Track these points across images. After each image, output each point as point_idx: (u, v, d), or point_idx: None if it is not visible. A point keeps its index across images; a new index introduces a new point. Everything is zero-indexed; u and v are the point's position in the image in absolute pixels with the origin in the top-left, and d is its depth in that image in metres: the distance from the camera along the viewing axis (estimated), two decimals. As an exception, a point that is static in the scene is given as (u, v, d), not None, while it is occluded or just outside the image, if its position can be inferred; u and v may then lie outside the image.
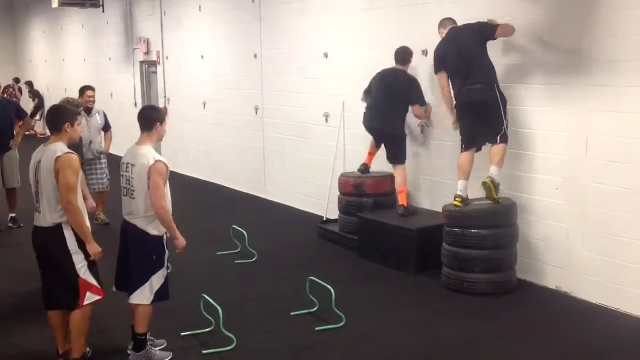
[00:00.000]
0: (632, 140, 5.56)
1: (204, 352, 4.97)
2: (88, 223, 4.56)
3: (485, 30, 6.31)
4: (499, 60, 6.56)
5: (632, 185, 5.59)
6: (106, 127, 8.81)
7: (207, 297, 5.39)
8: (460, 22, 6.63)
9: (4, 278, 6.60)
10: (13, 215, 8.81)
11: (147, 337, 4.82)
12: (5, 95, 8.59)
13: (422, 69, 7.43)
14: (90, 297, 4.53)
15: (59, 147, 4.45)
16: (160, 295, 4.72)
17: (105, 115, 8.83)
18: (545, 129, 6.24)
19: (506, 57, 6.53)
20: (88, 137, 8.38)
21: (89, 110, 8.51)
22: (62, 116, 4.61)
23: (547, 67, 6.19)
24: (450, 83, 6.50)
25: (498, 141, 6.25)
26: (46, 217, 4.46)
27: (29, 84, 19.91)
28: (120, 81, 15.10)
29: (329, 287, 5.54)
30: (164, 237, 4.74)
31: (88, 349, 4.80)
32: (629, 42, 5.53)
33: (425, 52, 7.39)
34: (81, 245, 4.49)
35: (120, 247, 4.79)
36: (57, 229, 4.44)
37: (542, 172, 6.30)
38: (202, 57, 12.00)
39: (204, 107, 12.08)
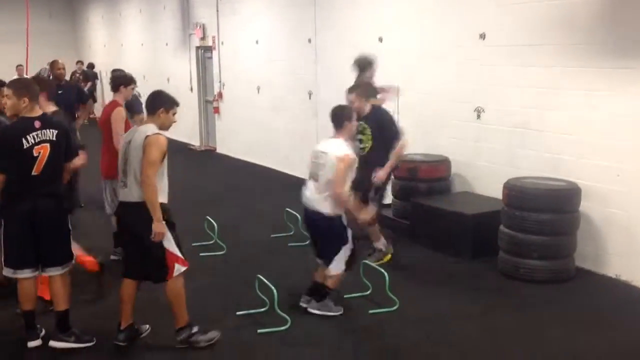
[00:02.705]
0: (700, 126, 5.38)
1: (259, 331, 5.04)
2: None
3: None
4: (560, 42, 6.43)
5: (699, 172, 5.42)
6: (131, 112, 8.18)
7: (262, 277, 5.46)
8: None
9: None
10: (74, 195, 9.06)
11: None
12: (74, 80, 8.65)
13: (479, 52, 7.32)
14: (178, 269, 4.67)
15: (150, 128, 4.61)
16: (350, 262, 5.34)
17: (133, 99, 7.84)
18: (608, 114, 6.08)
19: (571, 40, 6.37)
20: None
21: None
22: (158, 101, 4.76)
23: (612, 50, 6.01)
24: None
25: None
26: (133, 193, 4.61)
27: (90, 66, 20.27)
28: (176, 66, 15.33)
29: (382, 270, 5.54)
30: (342, 216, 5.25)
31: (147, 326, 5.00)
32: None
33: (483, 36, 7.27)
34: (167, 220, 4.61)
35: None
36: (144, 204, 4.55)
37: (604, 158, 6.14)
38: (257, 42, 12.07)
39: (258, 91, 12.17)
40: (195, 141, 14.57)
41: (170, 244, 4.64)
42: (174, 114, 4.79)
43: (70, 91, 9.06)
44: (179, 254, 4.69)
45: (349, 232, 5.33)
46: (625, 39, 5.90)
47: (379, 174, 6.29)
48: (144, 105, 4.84)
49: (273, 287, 5.19)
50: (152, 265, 4.67)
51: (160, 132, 4.63)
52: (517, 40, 6.88)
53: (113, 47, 19.69)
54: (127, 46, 18.64)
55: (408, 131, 8.45)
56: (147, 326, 5.05)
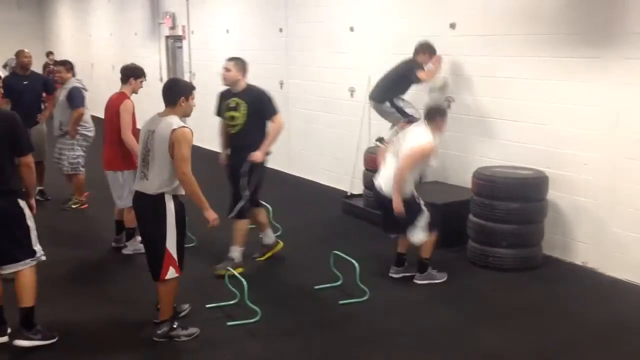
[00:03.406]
0: (665, 114, 5.45)
1: (228, 323, 5.01)
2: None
3: None
4: (529, 32, 6.46)
5: (664, 160, 5.49)
6: (71, 105, 8.10)
7: (232, 269, 5.42)
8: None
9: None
10: (41, 188, 8.92)
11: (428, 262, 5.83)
12: (50, 76, 8.51)
13: (449, 42, 7.33)
14: (171, 273, 4.64)
15: (175, 121, 4.55)
16: (430, 226, 5.72)
17: (71, 92, 8.11)
18: (576, 104, 6.13)
19: (538, 30, 6.40)
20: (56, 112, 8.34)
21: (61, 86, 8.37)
22: (178, 90, 4.70)
23: (579, 40, 6.06)
24: None
25: None
26: (153, 185, 4.57)
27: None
28: (146, 56, 15.13)
29: (353, 261, 5.54)
30: (414, 194, 5.68)
31: (187, 305, 5.16)
32: (663, 14, 5.40)
33: (453, 26, 7.28)
34: (179, 220, 4.61)
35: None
36: (160, 198, 4.55)
37: (572, 147, 6.20)
38: (227, 31, 11.97)
39: (229, 82, 12.06)
40: (166, 132, 14.42)
41: (172, 247, 4.61)
42: (193, 99, 4.78)
43: (37, 81, 8.91)
44: (176, 259, 4.65)
45: (422, 202, 5.74)
46: (592, 29, 5.94)
47: (256, 154, 5.91)
48: (163, 96, 4.71)
49: (243, 279, 5.16)
50: (153, 260, 4.68)
51: (185, 124, 4.59)
52: (486, 31, 6.90)
53: (81, 38, 19.39)
54: (96, 36, 18.38)
55: (379, 121, 8.53)
56: (187, 305, 5.12)
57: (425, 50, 7.23)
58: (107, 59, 17.64)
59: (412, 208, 5.66)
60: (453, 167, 7.49)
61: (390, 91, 7.35)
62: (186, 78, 13.48)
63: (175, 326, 4.77)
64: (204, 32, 12.80)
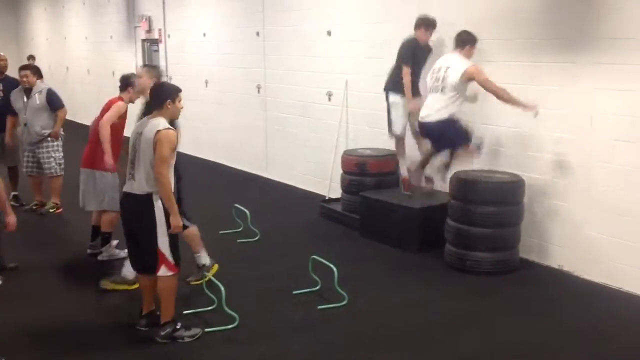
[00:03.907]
0: (639, 119, 5.52)
1: (206, 330, 4.96)
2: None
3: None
4: (504, 37, 6.51)
5: (638, 164, 5.56)
6: (53, 107, 8.14)
7: (209, 275, 5.38)
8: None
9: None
10: (16, 193, 8.80)
11: None
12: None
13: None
14: (163, 271, 4.67)
15: (161, 122, 4.63)
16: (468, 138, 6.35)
17: (50, 94, 8.14)
18: (551, 108, 6.18)
19: (515, 34, 6.46)
20: (25, 118, 8.16)
21: (28, 91, 8.16)
22: (164, 93, 4.79)
23: (553, 44, 6.13)
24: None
25: None
26: (141, 185, 4.63)
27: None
28: (122, 59, 15.02)
29: (331, 266, 5.54)
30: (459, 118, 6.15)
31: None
32: (636, 19, 5.46)
33: (429, 30, 7.31)
34: (168, 218, 4.63)
35: None
36: (148, 197, 4.60)
37: (547, 151, 6.26)
38: (204, 35, 11.92)
39: (206, 85, 12.03)
40: (142, 136, 14.32)
41: (164, 246, 4.63)
42: (180, 100, 4.83)
43: (12, 85, 8.79)
44: (170, 259, 4.67)
45: (471, 134, 6.31)
46: (566, 34, 6.01)
47: None
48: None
49: (221, 285, 5.13)
50: (148, 255, 4.68)
51: (170, 126, 4.66)
52: (462, 35, 6.94)
53: (56, 41, 19.19)
54: (71, 39, 18.19)
55: (357, 125, 8.55)
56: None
57: (420, 25, 6.93)
58: (82, 63, 17.48)
59: (459, 130, 6.27)
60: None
61: (392, 80, 7.10)
62: (163, 82, 13.40)
63: (178, 327, 4.78)
64: (181, 36, 12.73)
